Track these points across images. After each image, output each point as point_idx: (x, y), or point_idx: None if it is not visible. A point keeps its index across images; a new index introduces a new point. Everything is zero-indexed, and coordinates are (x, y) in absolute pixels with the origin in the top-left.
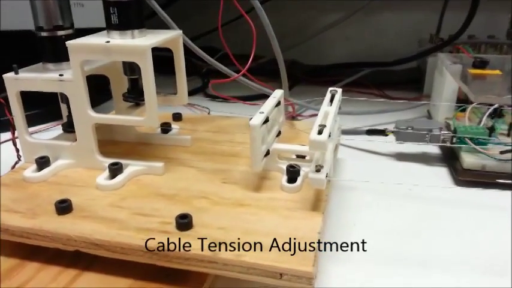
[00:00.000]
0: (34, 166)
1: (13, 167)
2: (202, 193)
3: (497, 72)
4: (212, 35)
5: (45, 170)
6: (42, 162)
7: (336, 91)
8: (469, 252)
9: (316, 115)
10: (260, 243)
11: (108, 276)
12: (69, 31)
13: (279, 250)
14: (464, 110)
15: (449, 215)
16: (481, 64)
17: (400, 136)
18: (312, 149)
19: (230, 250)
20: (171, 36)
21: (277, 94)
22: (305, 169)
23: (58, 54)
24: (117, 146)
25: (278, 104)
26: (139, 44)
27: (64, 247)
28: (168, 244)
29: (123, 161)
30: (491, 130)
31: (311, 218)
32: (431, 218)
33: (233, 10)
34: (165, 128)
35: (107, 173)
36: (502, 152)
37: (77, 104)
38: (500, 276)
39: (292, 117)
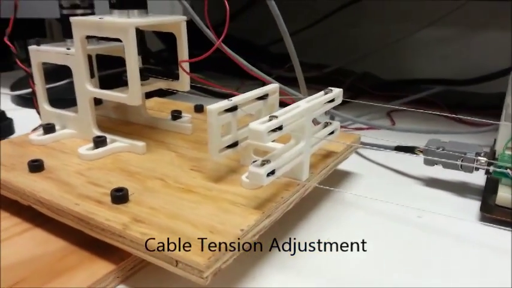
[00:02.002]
0: (41, 131)
1: (34, 130)
2: (162, 175)
3: None
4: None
5: (47, 136)
6: (47, 129)
7: (331, 90)
8: None
9: (362, 129)
10: (174, 229)
11: (50, 235)
12: (87, 11)
13: (189, 238)
14: None
15: (451, 251)
16: None
17: (430, 158)
18: (251, 139)
19: (141, 229)
20: (168, 20)
21: (268, 88)
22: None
23: None
24: (125, 126)
25: (265, 97)
26: (123, 21)
27: (21, 200)
28: (93, 213)
29: (111, 137)
30: None
31: (246, 216)
32: (427, 251)
33: None
34: (175, 115)
35: (91, 144)
36: None
37: (78, 77)
38: None
39: None
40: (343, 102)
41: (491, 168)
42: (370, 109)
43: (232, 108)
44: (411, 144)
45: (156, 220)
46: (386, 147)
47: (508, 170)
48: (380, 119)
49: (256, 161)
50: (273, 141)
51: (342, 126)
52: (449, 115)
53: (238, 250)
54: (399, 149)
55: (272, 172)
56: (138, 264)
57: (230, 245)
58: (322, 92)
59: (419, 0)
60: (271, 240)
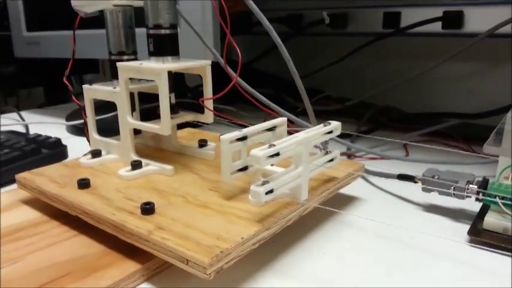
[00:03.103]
0: (89, 155)
1: (84, 155)
2: (184, 193)
3: None
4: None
5: (94, 160)
6: (95, 154)
7: (330, 123)
8: None
9: (375, 159)
10: (188, 235)
11: (92, 240)
12: (131, 56)
13: (199, 243)
14: None
15: (437, 269)
16: None
17: (427, 185)
18: (251, 162)
19: (163, 235)
20: (195, 65)
21: (276, 121)
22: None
23: None
24: (159, 152)
25: (273, 129)
26: (157, 67)
27: (70, 212)
28: (126, 221)
29: (146, 161)
30: None
31: (248, 227)
32: (415, 269)
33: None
34: (201, 143)
35: (129, 167)
36: None
37: (122, 111)
38: None
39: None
40: (362, 133)
41: (480, 196)
42: (386, 141)
43: (243, 138)
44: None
45: (175, 228)
46: (389, 176)
47: (497, 198)
48: (396, 150)
49: (260, 184)
50: (279, 166)
51: (356, 156)
52: (450, 147)
53: (238, 254)
54: (401, 177)
55: (271, 191)
56: (161, 266)
57: (231, 248)
58: (321, 125)
59: (439, 37)
60: (274, 250)
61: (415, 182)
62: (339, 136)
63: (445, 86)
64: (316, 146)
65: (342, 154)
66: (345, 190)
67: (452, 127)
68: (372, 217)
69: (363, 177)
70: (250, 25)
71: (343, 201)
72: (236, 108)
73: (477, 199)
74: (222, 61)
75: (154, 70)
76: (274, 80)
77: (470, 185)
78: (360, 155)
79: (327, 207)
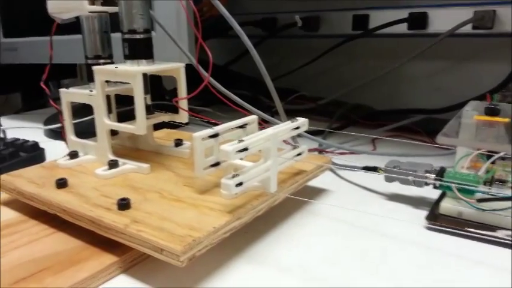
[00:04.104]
0: (67, 157)
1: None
2: (160, 189)
3: (505, 120)
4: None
5: (72, 161)
6: (72, 155)
7: (297, 120)
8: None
9: (344, 153)
10: (162, 227)
11: (70, 237)
12: (107, 60)
13: (172, 233)
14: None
15: (398, 253)
16: (492, 112)
17: (389, 176)
18: (222, 157)
19: (138, 227)
20: (170, 67)
21: (247, 119)
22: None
23: None
24: (136, 152)
25: (244, 126)
26: (132, 69)
27: (49, 210)
28: (103, 217)
29: (123, 161)
30: (492, 179)
31: (220, 218)
32: (379, 252)
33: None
34: (177, 142)
35: (106, 166)
36: (479, 200)
37: (98, 113)
38: None
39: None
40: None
41: (437, 184)
42: (356, 136)
43: (214, 135)
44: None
45: (150, 221)
46: (355, 168)
47: (453, 185)
48: (365, 145)
49: (229, 177)
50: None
51: (327, 152)
52: (414, 140)
53: (210, 242)
54: (366, 169)
55: (240, 183)
56: (138, 258)
57: (203, 237)
58: (289, 121)
59: (406, 37)
60: (246, 240)
61: (379, 173)
62: (311, 133)
63: (412, 84)
64: (287, 143)
65: (314, 150)
66: (314, 183)
67: (417, 122)
68: (338, 206)
69: (332, 171)
70: (227, 28)
71: (312, 193)
72: (213, 109)
73: (435, 186)
74: (195, 63)
75: (129, 72)
76: (251, 81)
77: (428, 174)
78: (331, 151)
79: (296, 197)
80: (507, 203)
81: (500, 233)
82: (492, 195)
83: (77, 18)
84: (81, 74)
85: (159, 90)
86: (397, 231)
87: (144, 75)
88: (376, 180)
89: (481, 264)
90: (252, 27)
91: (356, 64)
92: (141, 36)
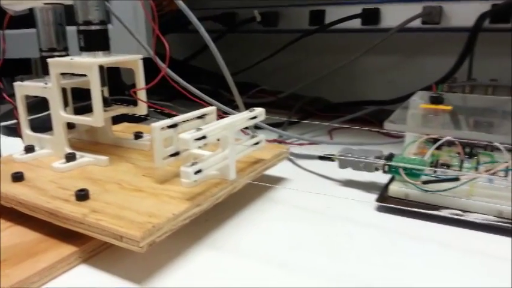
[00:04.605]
0: (24, 151)
1: None
2: (119, 180)
3: (448, 108)
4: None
5: (28, 155)
6: (28, 149)
7: (254, 110)
8: (344, 268)
9: (304, 144)
10: (122, 215)
11: (28, 230)
12: (62, 53)
13: (132, 221)
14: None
15: (350, 233)
16: (436, 100)
17: (342, 162)
18: (181, 145)
19: (97, 217)
20: (127, 58)
21: (205, 109)
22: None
23: None
24: (95, 145)
25: (203, 117)
26: (88, 61)
27: (5, 203)
28: (61, 208)
29: (81, 154)
30: (436, 163)
31: (179, 205)
32: (333, 233)
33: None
34: (137, 135)
35: (64, 160)
36: (424, 182)
37: (54, 105)
38: None
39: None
40: (293, 122)
41: (386, 168)
42: (314, 128)
43: (173, 125)
44: None
45: (109, 210)
46: (311, 157)
47: (400, 169)
48: (323, 136)
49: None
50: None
51: (287, 143)
52: (371, 129)
53: (170, 229)
54: (321, 158)
55: (199, 171)
56: (98, 248)
57: (162, 223)
58: (247, 111)
59: (360, 32)
60: (207, 227)
61: (333, 161)
62: (272, 125)
63: (367, 77)
64: (246, 133)
65: (274, 141)
66: (273, 172)
67: (370, 113)
68: (295, 193)
69: (291, 161)
70: (187, 23)
71: (271, 181)
72: (173, 103)
73: (384, 171)
74: (152, 54)
75: (85, 64)
76: (212, 76)
77: (378, 160)
78: (291, 142)
79: (255, 182)
80: (450, 184)
81: (443, 212)
82: (436, 177)
83: (31, 10)
84: (36, 70)
85: (118, 85)
86: (350, 214)
87: (101, 67)
88: (332, 168)
89: (427, 240)
90: (212, 22)
91: (314, 58)
92: (97, 27)
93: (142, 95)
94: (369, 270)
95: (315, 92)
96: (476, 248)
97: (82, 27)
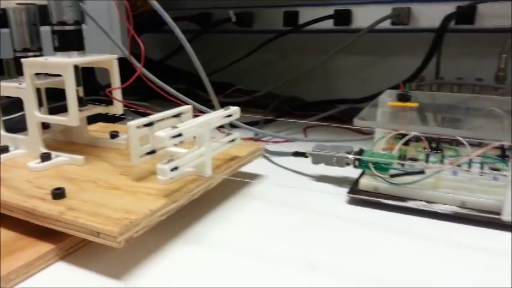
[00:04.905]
0: None
1: None
2: (95, 179)
3: (414, 105)
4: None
5: (2, 156)
6: (2, 150)
7: (229, 108)
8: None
9: (279, 142)
10: (98, 212)
11: (4, 229)
12: (36, 53)
13: (109, 217)
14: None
15: (324, 224)
16: (403, 98)
17: (315, 158)
18: (157, 143)
19: (74, 214)
20: (102, 58)
21: (181, 108)
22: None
23: None
24: (70, 145)
25: (179, 115)
26: (63, 61)
27: None
28: (38, 206)
29: (56, 153)
30: (404, 157)
31: (156, 201)
32: (307, 225)
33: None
34: (113, 134)
35: (39, 159)
36: (392, 176)
37: (28, 106)
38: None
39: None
40: (268, 121)
41: (356, 163)
42: (289, 126)
43: (149, 124)
44: None
45: (86, 208)
46: (285, 154)
47: (370, 163)
48: (297, 133)
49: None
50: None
51: (263, 141)
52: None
53: (147, 224)
54: (295, 154)
55: (176, 168)
56: (76, 245)
57: (139, 219)
58: (222, 109)
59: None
60: (184, 223)
61: (306, 157)
62: (248, 124)
63: (341, 77)
64: (222, 132)
65: (250, 139)
66: (249, 169)
67: (343, 111)
68: (271, 189)
69: (266, 158)
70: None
71: (247, 177)
72: (151, 104)
73: (354, 166)
74: (127, 54)
75: (60, 64)
76: (188, 75)
77: (349, 155)
78: (267, 140)
79: (231, 178)
80: (416, 177)
81: (410, 203)
82: (404, 171)
83: (3, 10)
84: (8, 71)
85: (93, 85)
86: (323, 207)
87: (76, 67)
88: (306, 164)
89: (395, 230)
90: (188, 22)
91: (289, 58)
92: (71, 27)
93: (117, 94)
94: (340, 259)
95: (290, 91)
96: (441, 236)
97: (56, 28)
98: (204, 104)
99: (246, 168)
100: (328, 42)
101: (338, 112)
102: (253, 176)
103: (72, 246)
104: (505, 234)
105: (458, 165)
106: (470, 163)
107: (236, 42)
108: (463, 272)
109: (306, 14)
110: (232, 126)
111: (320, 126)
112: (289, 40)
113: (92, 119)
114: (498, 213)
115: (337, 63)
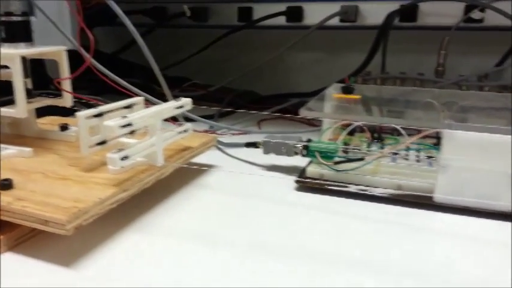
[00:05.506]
0: None
1: None
2: (44, 170)
3: (357, 96)
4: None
5: None
6: None
7: (180, 99)
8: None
9: (235, 134)
10: (47, 202)
11: None
12: None
13: (57, 206)
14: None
15: (272, 211)
16: (347, 90)
17: (265, 148)
18: (106, 132)
19: (22, 204)
20: (51, 50)
21: (133, 100)
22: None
23: None
24: (19, 138)
25: (130, 107)
26: (10, 52)
27: None
28: None
29: (4, 146)
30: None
31: (106, 190)
32: (255, 212)
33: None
34: (63, 126)
35: None
36: (335, 163)
37: None
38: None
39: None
40: (225, 114)
41: (304, 152)
42: (244, 119)
43: (99, 114)
44: None
45: (34, 198)
46: (238, 145)
47: (316, 152)
48: (252, 126)
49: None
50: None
51: (218, 134)
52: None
53: (97, 213)
54: (247, 145)
55: (126, 157)
56: (24, 236)
57: (88, 207)
58: (174, 100)
59: (286, 29)
60: (136, 212)
61: (257, 147)
62: (204, 117)
63: (295, 72)
64: (177, 125)
65: (206, 132)
66: (202, 160)
67: (295, 104)
68: (223, 178)
69: (220, 150)
70: (116, 16)
71: (200, 168)
72: (104, 98)
73: (302, 155)
74: (77, 45)
75: (7, 55)
76: (144, 70)
77: (297, 145)
78: (222, 133)
79: (184, 165)
80: (357, 164)
81: (352, 188)
82: (347, 158)
83: None
84: None
85: (44, 79)
86: (272, 194)
87: (23, 58)
88: (258, 155)
89: (338, 212)
90: (142, 15)
91: (244, 53)
92: (18, 18)
93: (67, 86)
94: (288, 241)
95: (245, 86)
96: (379, 217)
97: (3, 18)
98: (160, 98)
99: (199, 159)
100: (281, 38)
101: (291, 105)
102: (206, 166)
103: (21, 237)
104: (436, 214)
105: (396, 153)
106: (408, 150)
107: (192, 37)
108: (398, 248)
109: (259, 10)
110: (188, 119)
111: (274, 120)
112: (243, 35)
113: (42, 113)
114: (430, 195)
115: (291, 58)
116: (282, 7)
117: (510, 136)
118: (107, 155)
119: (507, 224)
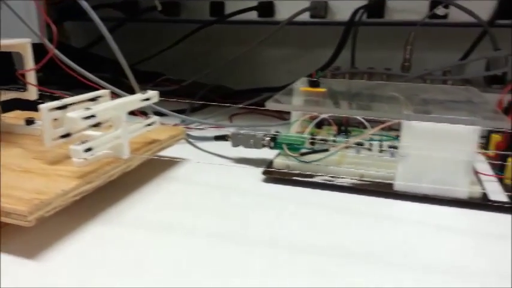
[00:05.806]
0: None
1: None
2: (8, 163)
3: (322, 90)
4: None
5: None
6: None
7: (147, 92)
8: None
9: (206, 128)
10: (9, 194)
11: None
12: None
13: (20, 198)
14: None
15: (238, 201)
16: (313, 84)
17: (234, 141)
18: (68, 124)
19: None
20: (14, 42)
21: (98, 92)
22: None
23: None
24: None
25: (96, 99)
26: None
27: None
28: None
29: None
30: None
31: (69, 182)
32: (225, 203)
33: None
34: (29, 120)
35: None
36: (301, 154)
37: None
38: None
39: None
40: (197, 108)
41: (271, 144)
42: (216, 113)
43: (62, 107)
44: None
45: None
46: (208, 138)
47: (283, 144)
48: (224, 120)
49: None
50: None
51: (190, 128)
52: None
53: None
54: (216, 138)
55: (89, 149)
56: None
57: (51, 199)
58: (140, 93)
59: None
60: (101, 204)
61: (226, 140)
62: (177, 111)
63: (268, 67)
64: (145, 116)
65: (177, 125)
66: (172, 153)
67: (266, 98)
68: (192, 171)
69: (190, 143)
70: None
71: (168, 161)
72: (73, 93)
73: (270, 147)
74: (40, 35)
75: None
76: (115, 64)
77: (265, 137)
78: (194, 127)
79: (152, 156)
80: (321, 155)
81: (317, 178)
82: (313, 150)
83: None
84: None
85: (11, 73)
86: (240, 185)
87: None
88: (227, 149)
89: (303, 202)
90: (112, 9)
91: (217, 48)
92: None
93: (31, 79)
94: (254, 230)
95: (217, 81)
96: (342, 205)
97: None
98: (129, 92)
99: (168, 152)
100: (253, 33)
101: (262, 99)
102: (174, 159)
103: None
104: (395, 202)
105: (361, 144)
106: (371, 141)
107: (164, 32)
108: (359, 234)
109: (231, 5)
110: (159, 114)
111: (245, 114)
112: (216, 30)
113: (9, 107)
114: (391, 183)
115: (264, 53)
116: (254, 2)
117: (465, 126)
118: (70, 147)
119: (464, 210)
